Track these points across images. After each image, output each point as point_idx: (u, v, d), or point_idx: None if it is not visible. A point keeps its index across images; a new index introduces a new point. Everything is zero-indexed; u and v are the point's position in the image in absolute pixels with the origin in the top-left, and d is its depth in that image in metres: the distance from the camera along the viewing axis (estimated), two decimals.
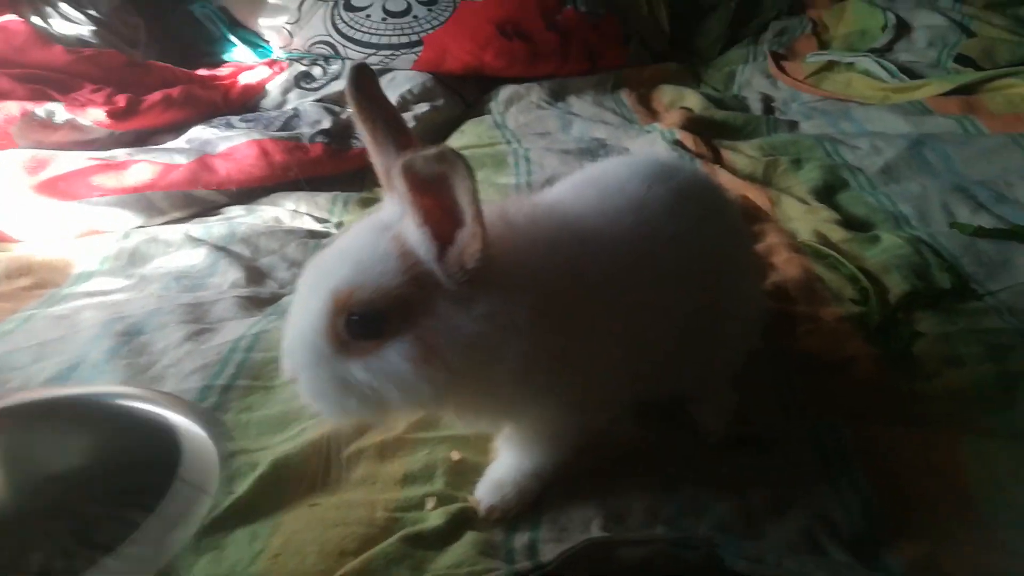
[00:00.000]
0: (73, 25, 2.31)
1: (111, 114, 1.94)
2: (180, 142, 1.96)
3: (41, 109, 1.88)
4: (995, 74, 2.19)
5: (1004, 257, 1.41)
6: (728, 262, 0.99)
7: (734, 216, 1.08)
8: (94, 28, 2.34)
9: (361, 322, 0.74)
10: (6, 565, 0.70)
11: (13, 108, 1.84)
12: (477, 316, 0.75)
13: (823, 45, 2.73)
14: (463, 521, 0.91)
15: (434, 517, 0.91)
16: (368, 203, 1.86)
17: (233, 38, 2.61)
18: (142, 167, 1.75)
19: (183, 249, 1.60)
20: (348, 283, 0.74)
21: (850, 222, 1.59)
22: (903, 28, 2.64)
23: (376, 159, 0.83)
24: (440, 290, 0.75)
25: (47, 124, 1.87)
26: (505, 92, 2.41)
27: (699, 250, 0.93)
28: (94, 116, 1.93)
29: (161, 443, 0.75)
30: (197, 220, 1.75)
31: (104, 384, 1.08)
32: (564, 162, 1.90)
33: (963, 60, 2.37)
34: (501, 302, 0.75)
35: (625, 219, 0.88)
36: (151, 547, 0.64)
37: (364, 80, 0.82)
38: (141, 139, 2.02)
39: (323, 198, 1.83)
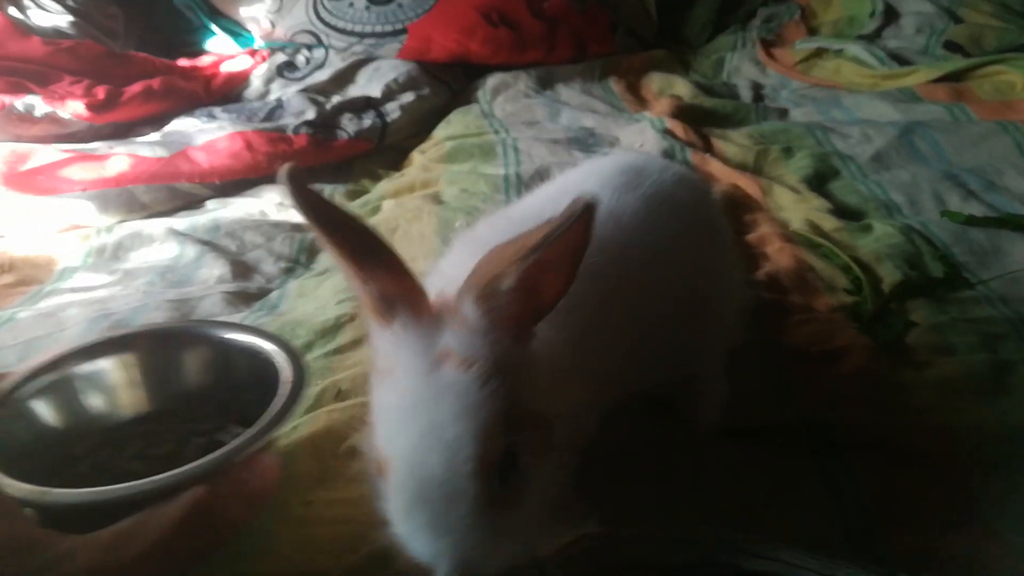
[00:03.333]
0: (51, 16, 2.26)
1: (90, 106, 1.91)
2: (161, 134, 1.93)
3: (20, 102, 1.84)
4: (983, 60, 2.18)
5: (995, 245, 1.41)
6: (707, 259, 0.98)
7: (712, 211, 1.07)
8: (72, 19, 2.29)
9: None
10: (140, 454, 0.90)
11: None
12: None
13: (812, 31, 2.72)
14: None
15: None
16: (355, 195, 1.84)
17: (214, 27, 2.57)
18: (122, 160, 1.72)
19: (167, 243, 1.58)
20: (483, 428, 0.63)
21: (842, 211, 1.58)
22: (891, 14, 2.63)
23: (371, 286, 0.67)
24: (515, 368, 0.67)
25: (26, 118, 1.84)
26: (492, 80, 2.38)
27: (675, 252, 0.92)
28: (73, 109, 1.89)
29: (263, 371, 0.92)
30: (181, 213, 1.72)
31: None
32: (553, 152, 1.88)
33: (951, 46, 2.37)
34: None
35: (603, 229, 0.87)
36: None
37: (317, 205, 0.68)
38: (121, 131, 1.98)
39: None
